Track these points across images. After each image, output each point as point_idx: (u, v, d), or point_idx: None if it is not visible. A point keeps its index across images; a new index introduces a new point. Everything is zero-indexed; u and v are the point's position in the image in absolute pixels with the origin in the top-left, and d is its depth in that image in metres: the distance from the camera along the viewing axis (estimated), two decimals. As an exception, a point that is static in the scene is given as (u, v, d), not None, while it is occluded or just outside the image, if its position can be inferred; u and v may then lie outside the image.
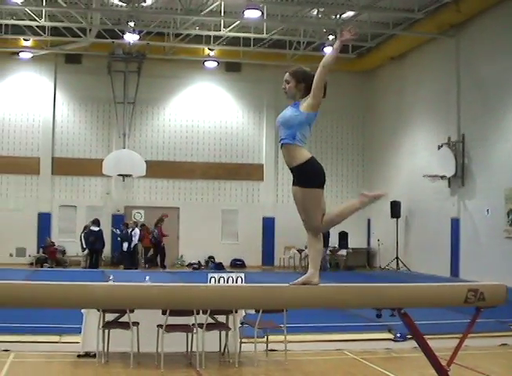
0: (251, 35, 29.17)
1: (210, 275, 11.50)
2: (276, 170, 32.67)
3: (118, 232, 29.47)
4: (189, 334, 10.78)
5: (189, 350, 10.86)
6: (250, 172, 33.00)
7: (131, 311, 10.17)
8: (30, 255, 30.26)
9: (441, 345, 8.31)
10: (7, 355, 10.85)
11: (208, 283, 10.21)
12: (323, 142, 32.97)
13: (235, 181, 32.88)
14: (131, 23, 27.12)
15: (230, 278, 11.36)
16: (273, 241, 32.59)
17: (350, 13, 26.31)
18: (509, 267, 21.59)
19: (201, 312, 10.25)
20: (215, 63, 32.11)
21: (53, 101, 31.52)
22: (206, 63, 32.07)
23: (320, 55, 29.03)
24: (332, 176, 32.29)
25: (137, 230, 29.00)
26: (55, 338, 12.16)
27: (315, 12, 26.69)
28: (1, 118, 31.03)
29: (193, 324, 10.49)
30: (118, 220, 30.88)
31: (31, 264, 29.57)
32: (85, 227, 29.31)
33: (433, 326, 12.56)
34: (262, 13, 25.73)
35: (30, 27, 28.28)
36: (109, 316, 10.60)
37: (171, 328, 10.37)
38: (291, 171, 6.18)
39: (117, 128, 31.57)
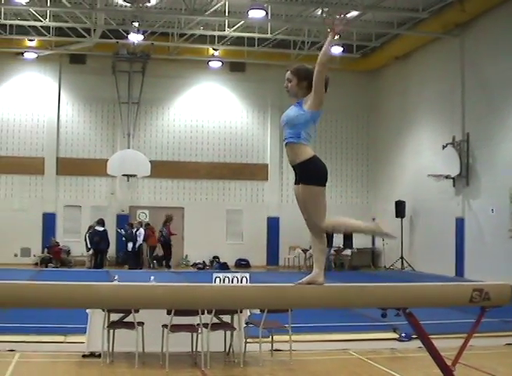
0: (256, 35, 29.17)
1: (215, 275, 11.52)
2: (281, 170, 32.66)
3: (123, 232, 29.48)
4: (194, 334, 10.78)
5: (194, 350, 10.86)
6: (254, 172, 32.99)
7: (136, 311, 10.17)
8: (34, 255, 30.28)
9: (446, 345, 8.31)
10: (12, 355, 10.86)
11: (213, 283, 10.21)
12: (328, 142, 32.96)
13: (239, 181, 32.87)
14: (136, 24, 27.11)
15: (235, 278, 11.36)
16: (278, 241, 32.58)
17: (354, 13, 26.29)
18: (514, 267, 21.58)
19: (206, 312, 10.25)
20: (220, 63, 32.13)
21: (58, 101, 31.54)
22: (210, 63, 32.08)
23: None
24: (336, 176, 32.33)
25: (142, 230, 28.99)
26: (60, 338, 12.18)
27: (320, 12, 26.69)
28: (6, 118, 31.07)
29: (198, 324, 10.49)
30: (123, 220, 30.90)
31: (36, 264, 29.61)
32: (90, 227, 29.32)
33: (438, 326, 12.55)
34: (266, 13, 25.72)
35: (34, 28, 28.33)
36: (114, 316, 10.61)
37: (176, 328, 10.38)
38: (294, 169, 6.18)
39: (121, 128, 31.60)
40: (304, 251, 29.42)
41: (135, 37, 28.01)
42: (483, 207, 24.85)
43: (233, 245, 32.07)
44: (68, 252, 30.61)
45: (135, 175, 29.80)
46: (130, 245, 28.76)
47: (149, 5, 26.38)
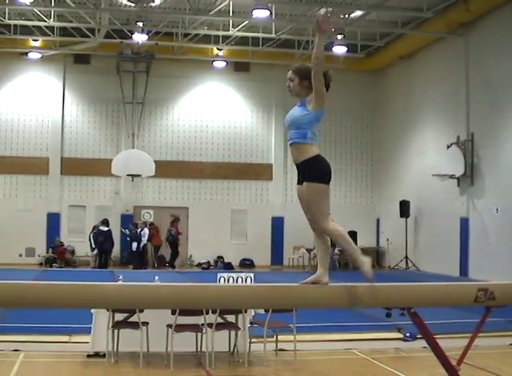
0: (260, 35, 29.18)
1: (219, 275, 11.51)
2: (285, 169, 32.65)
3: (127, 232, 29.49)
4: (199, 334, 10.77)
5: (199, 350, 10.86)
6: (259, 172, 32.99)
7: (141, 311, 10.18)
8: (39, 255, 30.31)
9: (451, 345, 8.28)
10: (17, 355, 10.88)
11: (217, 283, 10.21)
12: (332, 142, 32.95)
13: (244, 181, 32.88)
14: (140, 23, 27.13)
15: (239, 278, 11.36)
16: (282, 241, 32.58)
17: (358, 13, 26.28)
18: (519, 266, 21.56)
19: (210, 311, 10.25)
20: (224, 63, 32.14)
21: (62, 101, 31.59)
22: (214, 63, 32.09)
23: (329, 54, 29.13)
24: (341, 175, 32.34)
25: (146, 230, 29.02)
26: (65, 338, 12.20)
27: (324, 12, 26.67)
28: (11, 119, 31.12)
29: (203, 324, 10.49)
30: (127, 220, 30.93)
31: (40, 264, 29.62)
32: (94, 227, 29.34)
33: (443, 325, 12.53)
34: (271, 13, 25.70)
35: (38, 28, 28.37)
36: (119, 316, 10.61)
37: (180, 328, 10.38)
38: (297, 168, 6.18)
39: (125, 128, 31.62)
40: (309, 250, 29.40)
41: (140, 37, 28.05)
42: (487, 207, 24.82)
43: (238, 245, 32.08)
44: (72, 252, 30.65)
45: (139, 175, 29.81)
46: (134, 245, 28.78)
47: (153, 4, 26.39)
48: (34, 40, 29.71)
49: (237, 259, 31.43)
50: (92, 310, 10.76)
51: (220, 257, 31.36)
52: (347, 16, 26.98)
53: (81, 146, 31.72)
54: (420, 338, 9.43)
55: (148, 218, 30.82)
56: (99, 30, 28.11)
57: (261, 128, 33.34)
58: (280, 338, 11.29)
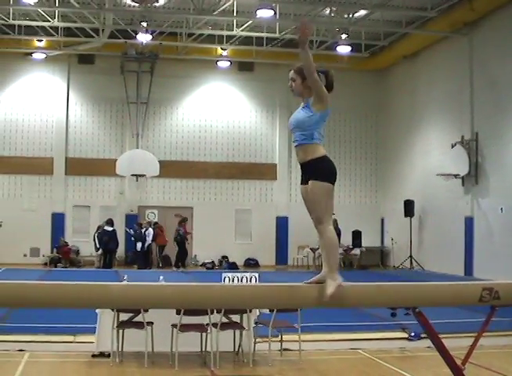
0: (264, 35, 29.18)
1: (224, 274, 11.52)
2: (289, 169, 32.65)
3: (132, 232, 29.52)
4: (204, 334, 10.79)
5: (204, 350, 10.87)
6: (263, 172, 32.99)
7: (146, 311, 10.19)
8: (44, 255, 30.36)
9: (456, 344, 8.29)
10: (22, 355, 10.90)
11: (222, 283, 10.21)
12: (336, 141, 32.93)
13: (248, 180, 32.87)
14: (144, 23, 27.12)
15: (244, 277, 11.37)
16: (287, 240, 32.58)
17: (362, 12, 26.27)
18: (523, 266, 21.53)
19: (215, 311, 10.26)
20: (228, 63, 32.14)
21: (66, 101, 31.62)
22: (219, 63, 32.09)
23: (333, 54, 29.22)
24: (345, 175, 32.32)
25: (150, 230, 29.04)
26: (70, 338, 12.21)
27: (328, 11, 26.68)
28: (15, 119, 31.15)
29: (207, 324, 10.50)
30: (132, 220, 30.95)
31: (45, 264, 29.67)
32: (99, 227, 29.37)
33: (447, 325, 12.53)
34: (275, 13, 25.72)
35: (43, 28, 28.41)
36: (124, 316, 10.63)
37: (185, 328, 10.39)
38: (302, 167, 6.17)
39: (130, 128, 31.63)
40: (313, 250, 29.39)
41: (144, 37, 28.05)
42: (492, 206, 24.79)
43: (242, 245, 32.08)
44: (77, 252, 30.70)
45: (143, 175, 29.84)
46: (139, 245, 28.83)
47: (157, 5, 26.42)
48: (38, 40, 29.75)
49: (242, 259, 31.44)
50: (97, 310, 10.77)
51: (224, 257, 31.37)
52: (351, 15, 26.98)
53: (85, 146, 31.74)
54: (425, 337, 9.43)
55: (152, 218, 30.85)
56: (103, 30, 28.15)
57: (266, 127, 33.33)
58: (285, 337, 11.29)
